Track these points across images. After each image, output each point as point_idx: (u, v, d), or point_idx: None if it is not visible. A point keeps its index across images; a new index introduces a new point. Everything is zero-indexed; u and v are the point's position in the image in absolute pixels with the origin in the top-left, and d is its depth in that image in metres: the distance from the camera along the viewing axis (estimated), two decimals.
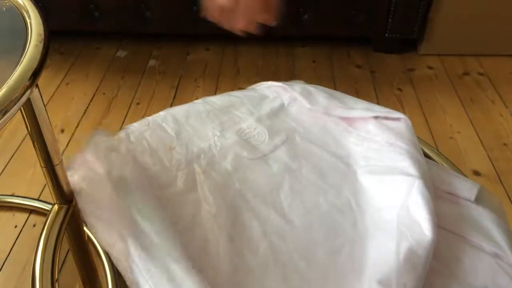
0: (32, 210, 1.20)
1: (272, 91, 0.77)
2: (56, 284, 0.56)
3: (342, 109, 0.71)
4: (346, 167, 0.66)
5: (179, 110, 0.73)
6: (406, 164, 0.60)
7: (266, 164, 0.66)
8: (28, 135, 0.58)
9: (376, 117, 0.68)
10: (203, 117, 0.72)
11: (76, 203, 0.60)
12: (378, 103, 1.60)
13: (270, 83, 0.78)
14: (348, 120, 0.71)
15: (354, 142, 0.68)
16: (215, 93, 0.74)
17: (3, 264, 1.08)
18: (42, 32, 0.53)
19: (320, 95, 0.73)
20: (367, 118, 0.69)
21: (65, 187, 0.62)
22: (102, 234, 0.55)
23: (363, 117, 0.69)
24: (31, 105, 0.55)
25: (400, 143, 0.63)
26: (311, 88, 0.75)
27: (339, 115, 0.71)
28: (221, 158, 0.66)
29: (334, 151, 0.68)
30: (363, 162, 0.65)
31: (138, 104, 1.57)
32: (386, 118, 0.68)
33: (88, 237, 0.72)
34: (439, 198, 0.60)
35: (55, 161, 0.60)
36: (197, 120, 0.72)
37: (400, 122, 0.67)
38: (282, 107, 0.75)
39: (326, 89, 0.75)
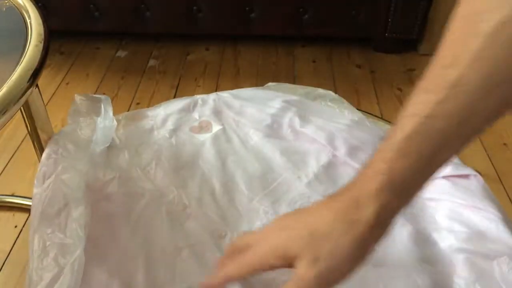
0: None
1: (310, 141, 0.66)
2: None
3: None
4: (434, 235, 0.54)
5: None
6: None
7: None
8: (28, 135, 0.58)
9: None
10: (244, 191, 0.60)
11: None
12: (378, 103, 1.61)
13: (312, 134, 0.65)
14: None
15: (433, 207, 0.56)
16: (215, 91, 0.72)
17: (3, 264, 1.08)
18: (42, 32, 0.53)
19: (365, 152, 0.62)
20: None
21: None
22: None
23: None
24: (31, 105, 0.55)
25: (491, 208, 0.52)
26: (356, 142, 0.63)
27: None
28: None
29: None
30: (452, 235, 0.53)
31: (138, 104, 1.56)
32: (455, 175, 0.57)
33: None
34: None
35: None
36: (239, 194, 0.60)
37: (470, 179, 0.57)
38: (329, 165, 0.63)
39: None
